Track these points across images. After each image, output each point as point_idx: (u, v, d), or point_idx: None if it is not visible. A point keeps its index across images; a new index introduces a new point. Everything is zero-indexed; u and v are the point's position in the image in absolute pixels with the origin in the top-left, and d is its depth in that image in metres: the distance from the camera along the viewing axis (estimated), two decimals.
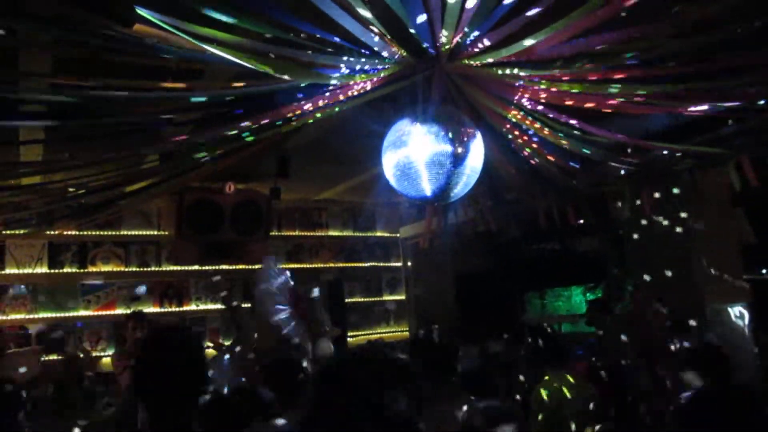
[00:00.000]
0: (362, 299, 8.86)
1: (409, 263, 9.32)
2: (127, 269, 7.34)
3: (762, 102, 3.90)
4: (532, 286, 11.81)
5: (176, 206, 7.08)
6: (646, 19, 2.99)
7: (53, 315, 6.85)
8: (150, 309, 7.24)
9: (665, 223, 6.08)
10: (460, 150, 3.59)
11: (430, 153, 3.59)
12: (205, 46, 2.67)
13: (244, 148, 4.71)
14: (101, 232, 7.23)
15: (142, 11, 2.32)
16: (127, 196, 5.65)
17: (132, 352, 5.12)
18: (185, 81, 3.42)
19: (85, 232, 7.11)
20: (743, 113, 4.28)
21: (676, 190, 5.96)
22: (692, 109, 3.91)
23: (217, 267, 7.75)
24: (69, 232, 6.93)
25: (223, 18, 2.60)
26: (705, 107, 3.88)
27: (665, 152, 5.05)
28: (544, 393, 3.98)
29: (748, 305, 6.03)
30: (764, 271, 8.47)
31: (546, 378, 4.08)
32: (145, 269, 7.43)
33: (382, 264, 9.19)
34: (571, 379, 4.01)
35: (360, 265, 8.97)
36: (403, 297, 9.24)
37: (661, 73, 3.48)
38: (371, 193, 7.83)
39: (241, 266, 7.87)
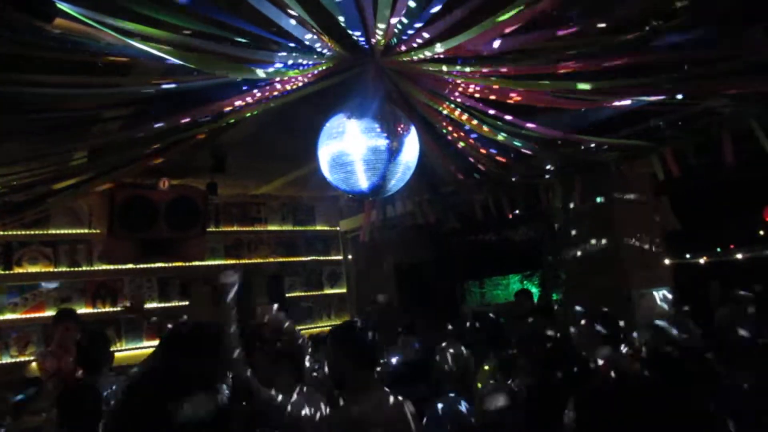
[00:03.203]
0: (303, 293, 8.83)
1: (350, 256, 9.34)
2: (56, 270, 7.06)
3: (681, 96, 4.12)
4: (471, 275, 12.08)
5: (108, 203, 6.85)
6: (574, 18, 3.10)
7: None
8: (82, 310, 7.00)
9: (594, 212, 6.33)
10: (395, 144, 3.63)
11: (366, 148, 3.62)
12: (130, 41, 2.60)
13: (177, 143, 4.61)
14: (27, 232, 6.93)
15: (62, 5, 2.24)
16: (55, 194, 5.44)
17: (59, 354, 4.94)
18: (112, 77, 3.32)
19: (10, 232, 6.80)
20: (665, 107, 4.50)
21: (603, 181, 6.21)
22: (616, 103, 4.07)
23: (152, 265, 7.56)
24: None
25: (150, 13, 2.54)
26: (628, 102, 4.06)
27: (593, 145, 5.25)
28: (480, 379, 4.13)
29: (672, 289, 6.36)
30: (687, 255, 8.94)
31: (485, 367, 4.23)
32: (76, 269, 7.17)
33: (322, 258, 9.18)
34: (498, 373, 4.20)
35: (300, 259, 8.93)
36: (344, 290, 9.26)
37: (588, 68, 3.62)
38: (310, 187, 7.81)
39: (177, 264, 7.71)
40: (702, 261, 9.19)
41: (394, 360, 5.15)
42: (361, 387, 2.78)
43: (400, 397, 2.85)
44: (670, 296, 6.31)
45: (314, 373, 3.61)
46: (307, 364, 3.36)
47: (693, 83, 3.78)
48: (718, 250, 9.17)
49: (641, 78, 3.65)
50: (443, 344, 4.45)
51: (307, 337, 3.43)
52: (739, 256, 8.83)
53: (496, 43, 3.25)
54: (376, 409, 2.69)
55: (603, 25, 3.11)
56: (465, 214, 7.33)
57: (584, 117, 4.86)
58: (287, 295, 8.56)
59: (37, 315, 6.81)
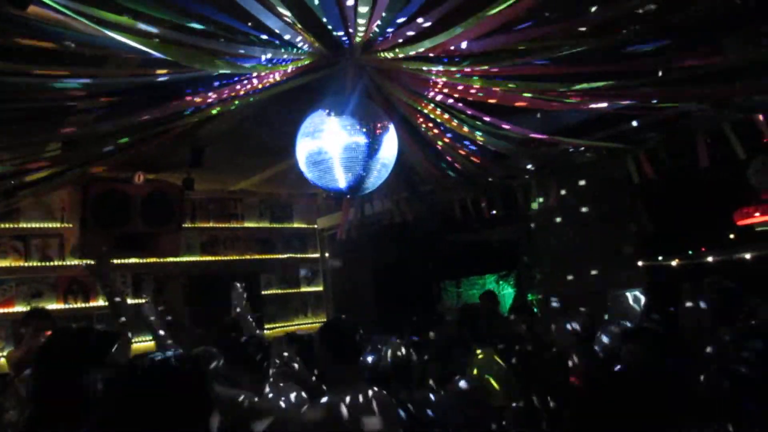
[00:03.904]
0: (279, 291, 8.79)
1: (327, 254, 9.31)
2: (26, 264, 6.93)
3: (656, 101, 4.18)
4: (448, 275, 12.15)
5: (81, 197, 6.74)
6: (553, 19, 3.13)
7: None
8: (53, 306, 6.88)
9: (569, 213, 6.40)
10: (373, 142, 3.63)
11: (344, 145, 3.62)
12: (107, 31, 2.56)
13: (153, 137, 4.56)
14: None
15: None
16: (27, 187, 5.35)
17: (27, 356, 4.82)
18: (88, 67, 3.26)
19: None
20: (640, 111, 4.56)
21: (579, 183, 6.28)
22: (593, 106, 4.12)
23: (126, 260, 7.46)
24: None
25: (127, 4, 2.50)
26: (605, 105, 4.11)
27: (570, 147, 5.30)
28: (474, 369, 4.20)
29: (644, 290, 6.44)
30: (660, 257, 9.08)
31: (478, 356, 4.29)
32: (47, 264, 7.04)
33: (299, 255, 9.13)
34: (497, 359, 4.27)
35: (277, 256, 8.88)
36: (320, 288, 9.24)
37: (567, 71, 3.66)
38: (288, 184, 7.77)
39: (152, 259, 7.62)
40: (674, 263, 9.33)
41: (369, 359, 5.14)
42: (346, 381, 2.82)
43: (384, 391, 2.91)
44: (642, 297, 6.39)
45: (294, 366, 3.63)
46: (276, 360, 3.43)
47: (669, 87, 3.84)
48: (690, 252, 9.31)
49: (618, 81, 3.69)
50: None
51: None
52: (710, 259, 8.98)
53: (475, 43, 3.27)
54: (364, 401, 2.73)
55: (582, 28, 3.15)
56: (443, 214, 7.36)
57: (561, 118, 4.93)
58: (263, 292, 8.52)
59: (6, 310, 6.68)
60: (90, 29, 2.56)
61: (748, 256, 8.13)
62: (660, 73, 3.65)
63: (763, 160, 6.06)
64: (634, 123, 4.97)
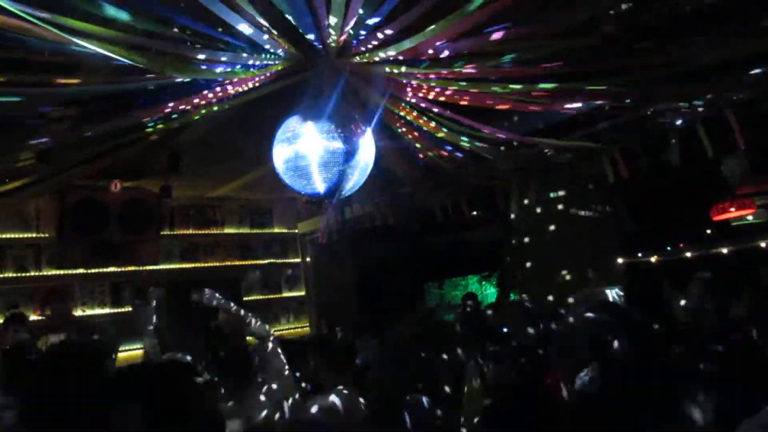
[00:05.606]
0: (261, 296, 8.73)
1: (308, 259, 9.27)
2: (2, 275, 6.81)
3: (629, 101, 4.22)
4: (430, 276, 12.13)
5: (57, 206, 6.65)
6: (525, 22, 3.14)
7: None
8: (30, 317, 6.74)
9: (549, 212, 6.43)
10: (351, 146, 3.62)
11: (322, 149, 3.60)
12: (76, 40, 2.52)
13: (128, 145, 4.51)
14: None
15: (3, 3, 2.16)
16: (1, 196, 5.26)
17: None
18: (59, 75, 3.21)
19: None
20: (614, 111, 4.60)
21: (559, 183, 6.31)
22: (568, 106, 4.14)
23: (104, 269, 7.35)
24: None
25: (98, 12, 2.47)
26: (579, 105, 4.13)
27: (547, 147, 5.33)
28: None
29: (625, 287, 6.48)
30: (639, 254, 9.16)
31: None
32: (23, 275, 6.92)
33: (280, 260, 9.08)
34: None
35: (258, 262, 8.82)
36: (302, 293, 9.19)
37: (539, 73, 3.67)
38: (267, 189, 7.72)
39: (131, 268, 7.51)
40: (653, 259, 9.42)
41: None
42: (333, 385, 2.83)
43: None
44: (621, 294, 6.42)
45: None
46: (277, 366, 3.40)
47: (640, 88, 3.88)
48: (669, 248, 9.41)
49: (591, 82, 3.72)
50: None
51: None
52: (688, 254, 9.08)
53: (450, 45, 3.28)
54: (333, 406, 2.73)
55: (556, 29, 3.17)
56: (424, 216, 7.37)
57: (537, 120, 4.95)
58: (245, 298, 8.45)
59: None
60: (58, 37, 2.52)
61: (724, 250, 8.24)
62: (633, 74, 3.69)
63: (735, 156, 6.15)
64: (608, 123, 5.01)
